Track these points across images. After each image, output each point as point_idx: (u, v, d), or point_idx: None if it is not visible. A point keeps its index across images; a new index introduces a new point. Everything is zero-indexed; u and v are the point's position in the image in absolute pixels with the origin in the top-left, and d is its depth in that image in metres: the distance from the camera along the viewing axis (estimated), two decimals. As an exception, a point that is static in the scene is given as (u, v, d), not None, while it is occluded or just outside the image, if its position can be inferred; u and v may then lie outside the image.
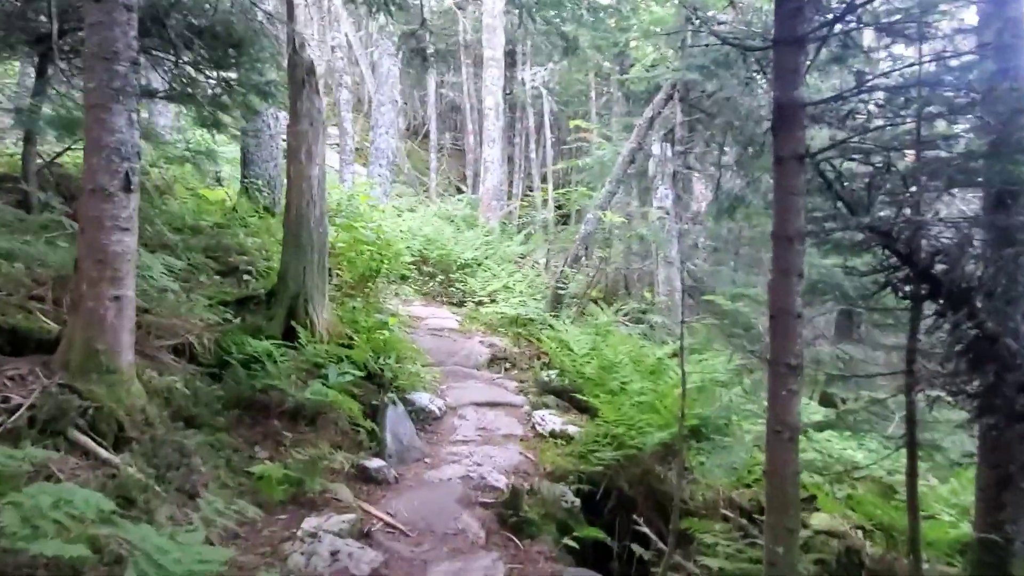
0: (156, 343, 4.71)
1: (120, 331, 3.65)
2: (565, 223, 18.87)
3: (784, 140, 2.69)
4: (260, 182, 8.29)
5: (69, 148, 7.74)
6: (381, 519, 3.92)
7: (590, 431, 5.41)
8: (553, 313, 9.73)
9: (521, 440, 5.64)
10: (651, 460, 5.24)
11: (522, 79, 17.59)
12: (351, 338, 5.80)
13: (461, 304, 10.84)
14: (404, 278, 11.08)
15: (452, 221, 16.94)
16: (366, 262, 7.22)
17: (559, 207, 17.95)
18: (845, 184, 3.34)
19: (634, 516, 4.89)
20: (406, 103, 29.26)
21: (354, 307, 6.26)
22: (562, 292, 9.92)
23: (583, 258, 10.25)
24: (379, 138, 12.53)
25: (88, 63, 3.63)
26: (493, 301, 10.64)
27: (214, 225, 7.57)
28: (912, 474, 3.76)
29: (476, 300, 10.86)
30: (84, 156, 3.65)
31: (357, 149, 19.41)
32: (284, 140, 9.05)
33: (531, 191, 22.59)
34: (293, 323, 5.35)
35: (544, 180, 19.73)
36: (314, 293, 5.56)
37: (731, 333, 5.34)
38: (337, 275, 7.47)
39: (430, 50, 7.35)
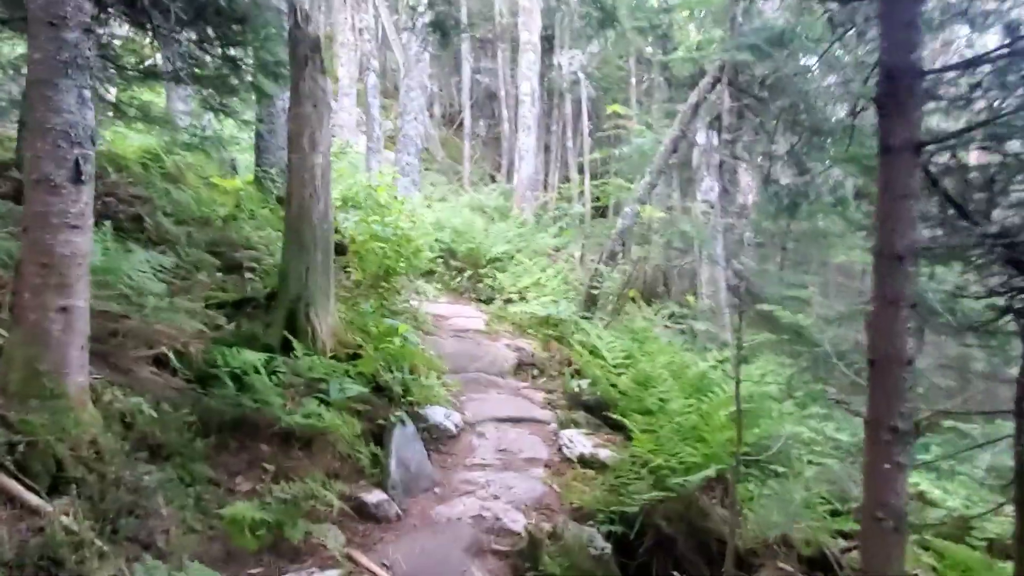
0: (134, 354, 4.19)
1: (68, 347, 3.10)
2: (603, 216, 18.11)
3: (895, 123, 1.98)
4: (273, 171, 7.76)
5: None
6: (374, 575, 3.32)
7: (623, 462, 4.74)
8: (586, 314, 9.06)
9: (546, 466, 5.00)
10: (694, 492, 4.56)
11: (559, 63, 16.79)
12: (360, 346, 5.22)
13: (489, 301, 10.22)
14: (430, 273, 10.52)
15: (484, 212, 16.34)
16: (379, 260, 6.63)
17: (596, 199, 17.16)
18: (957, 182, 2.61)
19: (674, 560, 4.25)
20: (441, 90, 28.68)
21: (362, 311, 5.66)
22: (596, 291, 9.23)
23: (620, 255, 9.54)
24: (407, 125, 11.94)
25: (31, 29, 3.07)
26: (523, 299, 10.00)
27: (223, 218, 7.07)
28: (1023, 538, 3.03)
29: (505, 297, 10.23)
30: (26, 141, 3.09)
31: (389, 137, 18.92)
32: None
33: (568, 181, 21.87)
34: (290, 331, 4.79)
35: (581, 170, 18.95)
36: (317, 296, 4.98)
37: (793, 353, 4.62)
38: (351, 274, 6.90)
39: (450, 22, 6.68)
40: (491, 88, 23.63)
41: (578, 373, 7.48)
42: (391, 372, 5.16)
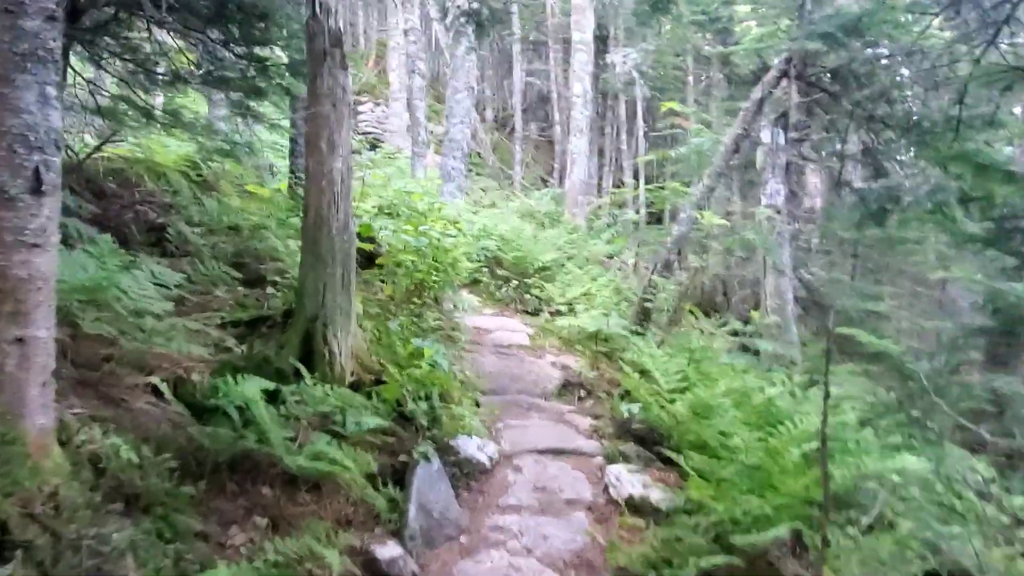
0: (128, 382, 3.78)
1: (24, 385, 2.68)
2: (658, 222, 17.34)
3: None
4: (307, 177, 7.38)
5: (110, 140, 7.11)
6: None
7: (678, 509, 4.12)
8: (638, 328, 8.41)
9: (589, 509, 4.41)
10: (763, 551, 3.90)
11: (612, 63, 16.15)
12: (384, 369, 4.74)
13: (536, 313, 9.67)
14: (475, 283, 10.04)
15: (535, 217, 15.80)
16: (411, 273, 6.15)
17: (651, 204, 16.44)
18: None
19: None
20: (493, 94, 28.31)
21: (389, 331, 5.18)
22: (649, 304, 8.56)
23: (675, 264, 8.85)
24: (453, 128, 11.48)
25: (-15, 19, 2.67)
26: (572, 311, 9.41)
27: (251, 227, 6.72)
28: None
29: (553, 309, 9.67)
30: (-21, 146, 2.68)
31: (441, 141, 18.55)
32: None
33: (621, 185, 21.13)
34: (306, 353, 4.34)
35: (635, 174, 18.22)
36: (336, 315, 4.52)
37: (880, 383, 3.91)
38: (382, 288, 6.46)
39: (484, 13, 6.16)
40: (543, 90, 23.10)
41: (628, 395, 6.87)
42: (418, 400, 4.66)
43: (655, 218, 17.37)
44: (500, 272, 10.36)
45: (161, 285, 4.35)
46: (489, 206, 16.40)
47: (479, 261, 10.56)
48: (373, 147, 21.59)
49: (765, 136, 8.30)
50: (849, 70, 7.78)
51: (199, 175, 7.88)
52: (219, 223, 6.67)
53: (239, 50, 5.86)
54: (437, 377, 4.83)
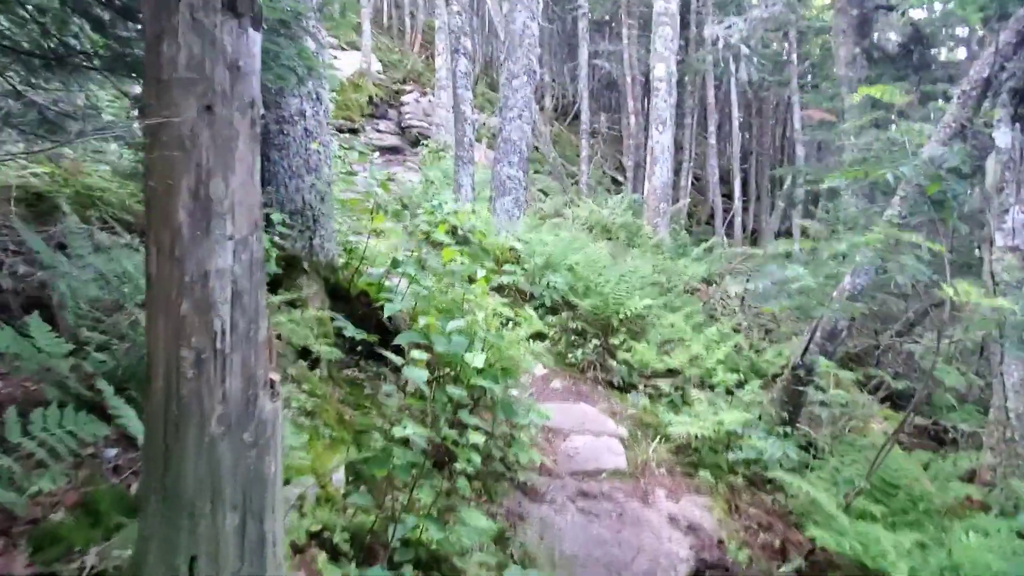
0: None
1: None
2: (754, 239, 14.24)
3: None
4: (283, 212, 4.73)
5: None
6: None
7: None
8: (786, 425, 5.55)
9: None
10: None
11: (711, 35, 13.07)
12: None
13: (625, 390, 6.86)
14: (539, 337, 7.28)
15: (608, 231, 12.91)
16: (442, 393, 3.42)
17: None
18: None
19: None
20: (554, 80, 25.30)
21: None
22: (802, 389, 5.67)
23: (844, 333, 5.89)
24: (509, 125, 8.73)
25: None
26: (679, 391, 6.57)
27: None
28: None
29: (651, 385, 6.82)
30: None
31: (495, 135, 15.77)
32: (329, 136, 5.45)
33: (696, 182, 18.00)
34: None
35: (726, 176, 15.13)
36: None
37: None
38: (398, 385, 3.74)
39: None
40: (613, 75, 20.05)
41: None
42: None
43: (752, 238, 14.28)
44: (572, 323, 7.55)
45: None
46: (551, 215, 13.59)
47: (543, 305, 7.80)
48: (417, 143, 19.03)
49: (1002, 138, 5.25)
50: None
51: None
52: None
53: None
54: None
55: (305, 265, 4.66)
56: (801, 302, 6.36)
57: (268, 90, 4.56)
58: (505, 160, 8.73)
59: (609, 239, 12.82)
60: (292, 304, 4.30)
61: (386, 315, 4.27)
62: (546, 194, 16.96)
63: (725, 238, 15.10)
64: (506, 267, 7.73)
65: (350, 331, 4.07)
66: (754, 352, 7.53)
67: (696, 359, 6.95)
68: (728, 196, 18.50)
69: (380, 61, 22.70)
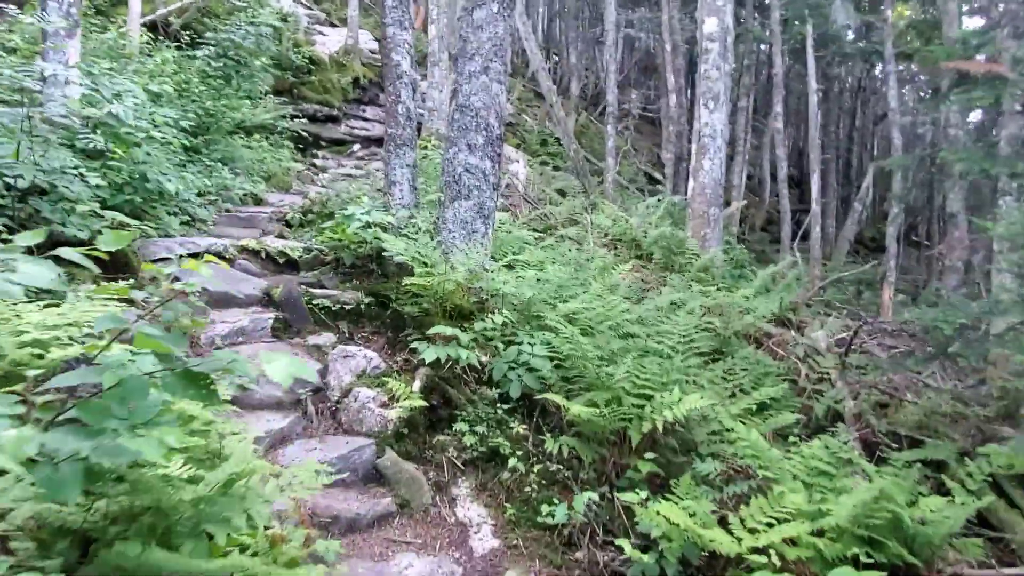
0: None
1: None
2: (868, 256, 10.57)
3: None
4: None
5: None
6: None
7: None
8: None
9: None
10: None
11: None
12: None
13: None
14: (494, 461, 3.83)
15: (639, 247, 9.38)
16: None
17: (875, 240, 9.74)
18: None
19: None
20: (579, 60, 21.73)
21: None
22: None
23: None
24: (468, 83, 5.38)
25: None
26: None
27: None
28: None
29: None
30: None
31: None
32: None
33: (747, 180, 14.34)
34: None
35: (801, 177, 11.44)
36: None
37: None
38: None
39: None
40: (649, 46, 16.42)
41: None
42: None
43: (861, 251, 10.71)
44: (554, 440, 4.07)
45: None
46: (562, 223, 10.12)
47: (506, 399, 4.37)
48: (417, 132, 15.83)
49: None
50: None
51: None
52: None
53: None
54: None
55: None
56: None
57: None
58: (462, 141, 5.31)
59: (639, 257, 9.31)
60: None
61: None
62: (563, 195, 13.48)
63: (798, 253, 11.41)
64: (444, 330, 4.33)
65: None
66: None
67: (798, 520, 3.42)
68: (802, 197, 14.75)
69: (376, 39, 19.49)
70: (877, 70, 27.01)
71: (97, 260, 4.71)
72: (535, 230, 9.43)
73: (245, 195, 8.37)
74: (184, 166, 7.90)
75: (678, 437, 4.01)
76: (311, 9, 19.71)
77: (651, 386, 4.12)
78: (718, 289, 8.11)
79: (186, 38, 10.58)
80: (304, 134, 12.68)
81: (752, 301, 7.74)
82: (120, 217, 4.31)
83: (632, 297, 6.05)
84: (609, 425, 3.84)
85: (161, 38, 10.58)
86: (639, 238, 9.28)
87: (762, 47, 18.74)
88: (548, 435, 3.98)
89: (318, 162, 12.98)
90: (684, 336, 4.95)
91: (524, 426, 4.08)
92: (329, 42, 17.40)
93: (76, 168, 4.24)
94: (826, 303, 10.67)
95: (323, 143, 14.32)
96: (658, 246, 9.07)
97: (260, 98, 11.46)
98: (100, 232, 4.20)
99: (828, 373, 6.49)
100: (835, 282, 11.42)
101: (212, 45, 9.18)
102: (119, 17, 10.05)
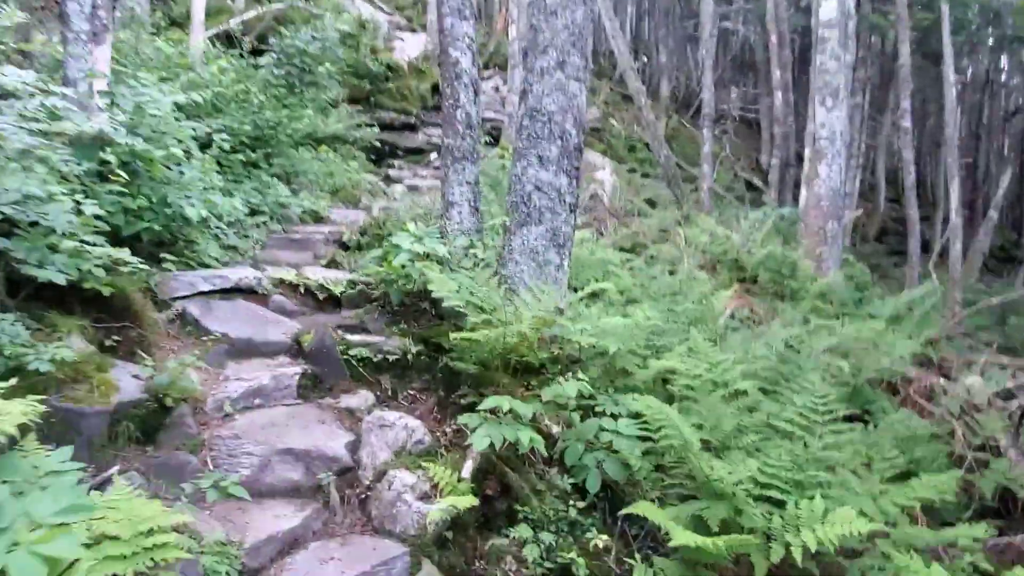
0: None
1: None
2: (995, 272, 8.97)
3: None
4: None
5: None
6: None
7: None
8: None
9: None
10: None
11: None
12: None
13: None
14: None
15: (741, 268, 8.14)
16: None
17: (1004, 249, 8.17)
18: None
19: None
20: (671, 59, 20.34)
21: None
22: None
23: None
24: (540, 81, 4.43)
25: None
26: None
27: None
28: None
29: None
30: None
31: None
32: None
33: (868, 192, 12.75)
34: None
35: (943, 188, 9.85)
36: None
37: None
38: None
39: None
40: (750, 41, 14.97)
41: None
42: None
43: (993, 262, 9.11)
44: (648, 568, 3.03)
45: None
46: (654, 240, 9.00)
47: (576, 490, 3.37)
48: (495, 139, 14.99)
49: None
50: None
51: None
52: None
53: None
54: None
55: None
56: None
57: None
58: (532, 153, 4.36)
59: (742, 280, 8.07)
60: None
61: None
62: (653, 206, 12.31)
63: (933, 273, 9.82)
64: (501, 403, 3.36)
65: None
66: None
67: None
68: (934, 205, 13.04)
69: (457, 44, 18.84)
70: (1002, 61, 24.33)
71: (93, 303, 3.84)
72: (622, 248, 8.36)
73: (304, 212, 7.69)
74: (240, 182, 7.31)
75: (823, 567, 2.89)
76: (392, 15, 19.29)
77: (780, 486, 3.01)
78: (840, 321, 6.81)
79: (255, 46, 10.12)
80: (380, 144, 12.06)
81: (884, 335, 6.42)
82: (118, 253, 3.56)
83: (742, 347, 4.87)
84: (725, 550, 2.76)
85: (235, 49, 10.15)
86: (742, 259, 8.05)
87: (872, 38, 16.91)
88: (637, 554, 2.94)
89: (392, 172, 12.29)
90: (822, 403, 3.77)
91: (604, 536, 3.06)
92: (408, 48, 16.87)
93: (66, 194, 3.51)
94: (966, 334, 9.08)
95: (400, 152, 13.68)
96: (765, 268, 7.82)
97: (331, 107, 10.88)
98: (90, 272, 3.46)
99: (995, 437, 5.14)
100: (972, 305, 9.78)
101: (275, 52, 8.61)
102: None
